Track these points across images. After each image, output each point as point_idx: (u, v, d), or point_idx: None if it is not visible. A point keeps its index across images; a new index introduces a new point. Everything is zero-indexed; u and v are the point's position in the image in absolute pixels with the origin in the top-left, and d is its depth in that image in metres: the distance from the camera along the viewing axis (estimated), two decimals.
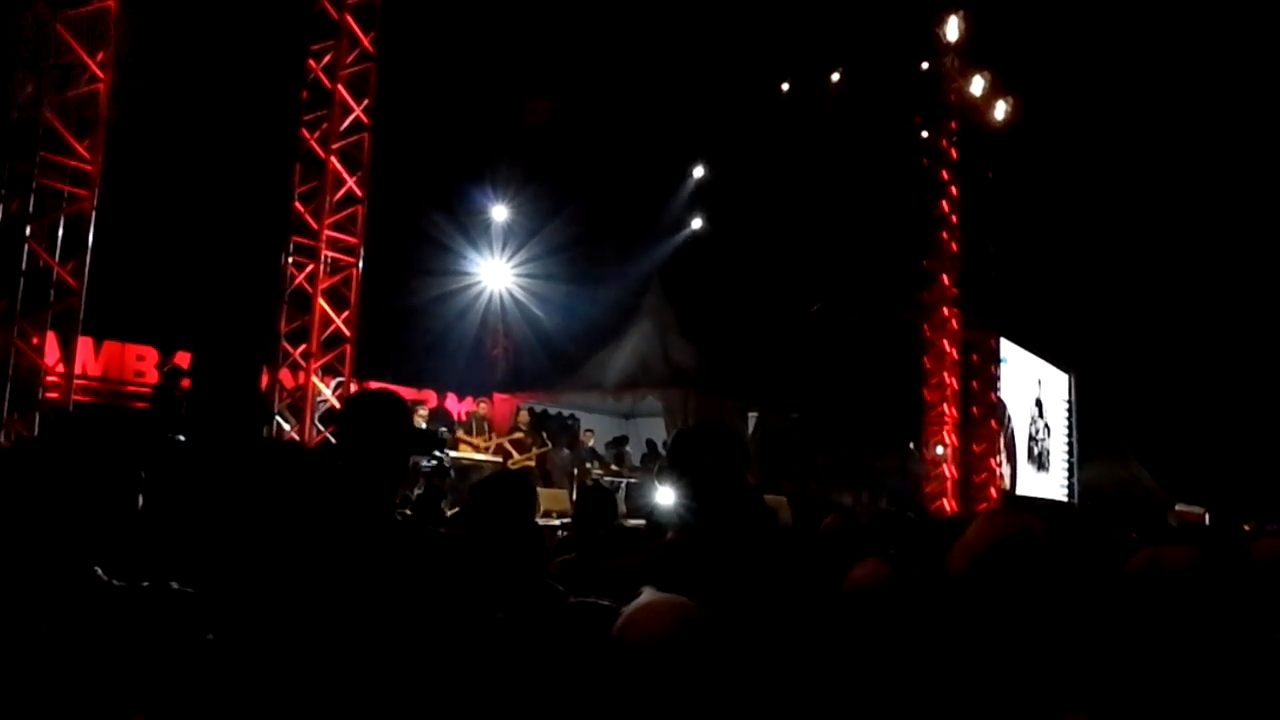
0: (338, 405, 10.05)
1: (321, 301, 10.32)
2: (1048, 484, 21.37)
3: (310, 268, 10.32)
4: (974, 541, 2.03)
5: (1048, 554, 2.00)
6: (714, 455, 2.75)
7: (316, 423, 10.25)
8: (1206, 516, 19.64)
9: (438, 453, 11.50)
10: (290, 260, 10.24)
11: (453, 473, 11.51)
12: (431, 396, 14.46)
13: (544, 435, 13.95)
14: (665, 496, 3.19)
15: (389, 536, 2.09)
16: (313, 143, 10.30)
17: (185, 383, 9.88)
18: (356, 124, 10.51)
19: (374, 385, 14.58)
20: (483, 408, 14.53)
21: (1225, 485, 19.87)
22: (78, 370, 10.34)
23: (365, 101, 10.50)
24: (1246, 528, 15.26)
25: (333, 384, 10.45)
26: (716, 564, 2.47)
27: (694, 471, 2.74)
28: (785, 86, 17.27)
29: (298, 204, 10.28)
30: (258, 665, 1.79)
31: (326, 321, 10.41)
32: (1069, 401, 22.75)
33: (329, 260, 10.45)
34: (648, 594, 1.71)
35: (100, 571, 1.87)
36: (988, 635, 1.92)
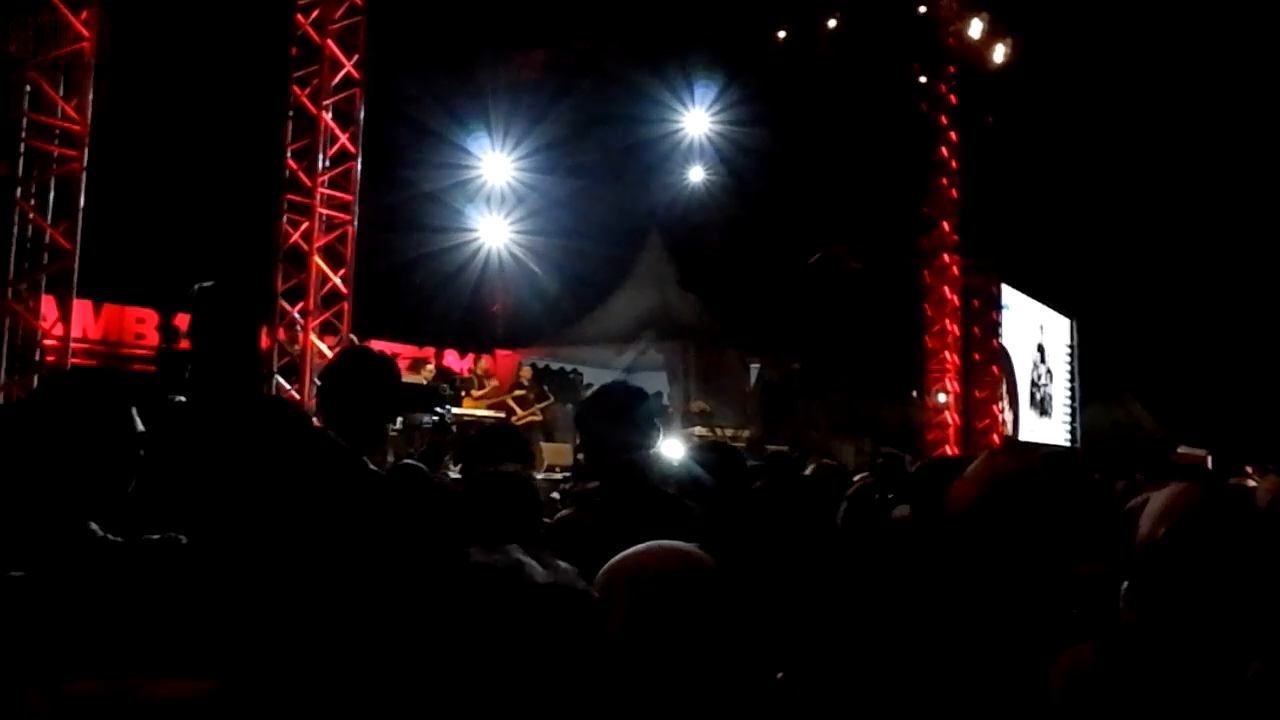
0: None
1: (318, 259, 10.28)
2: (1050, 429, 21.41)
3: (305, 225, 10.27)
4: (975, 480, 2.02)
5: (1048, 493, 1.99)
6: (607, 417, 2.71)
7: (316, 381, 10.24)
8: (1209, 459, 19.69)
9: (439, 409, 11.52)
10: (285, 219, 10.18)
11: (455, 429, 11.52)
12: (431, 353, 14.44)
13: (546, 390, 13.95)
14: (671, 450, 3.17)
15: (371, 490, 2.06)
16: (304, 99, 10.20)
17: (184, 344, 9.85)
18: (348, 79, 10.40)
19: (373, 344, 14.59)
20: (484, 364, 14.52)
21: (1227, 428, 19.89)
22: (78, 334, 10.36)
23: (356, 56, 10.38)
24: (1249, 469, 15.29)
25: (332, 343, 10.44)
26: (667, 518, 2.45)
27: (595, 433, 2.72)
28: (782, 34, 17.05)
29: (290, 161, 10.20)
30: (236, 614, 1.78)
31: (323, 280, 10.38)
32: (1071, 346, 22.73)
33: (324, 218, 10.39)
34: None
35: (96, 527, 1.87)
36: (987, 573, 1.91)
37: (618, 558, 1.61)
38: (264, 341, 10.14)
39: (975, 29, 16.58)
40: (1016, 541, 1.96)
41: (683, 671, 1.46)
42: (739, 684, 1.53)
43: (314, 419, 2.96)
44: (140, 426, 1.98)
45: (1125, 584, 1.82)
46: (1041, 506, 1.96)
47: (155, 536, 1.91)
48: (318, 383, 3.28)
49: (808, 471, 4.72)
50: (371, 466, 2.80)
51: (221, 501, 2.19)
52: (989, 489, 2.00)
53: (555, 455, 11.89)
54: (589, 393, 2.91)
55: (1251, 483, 10.10)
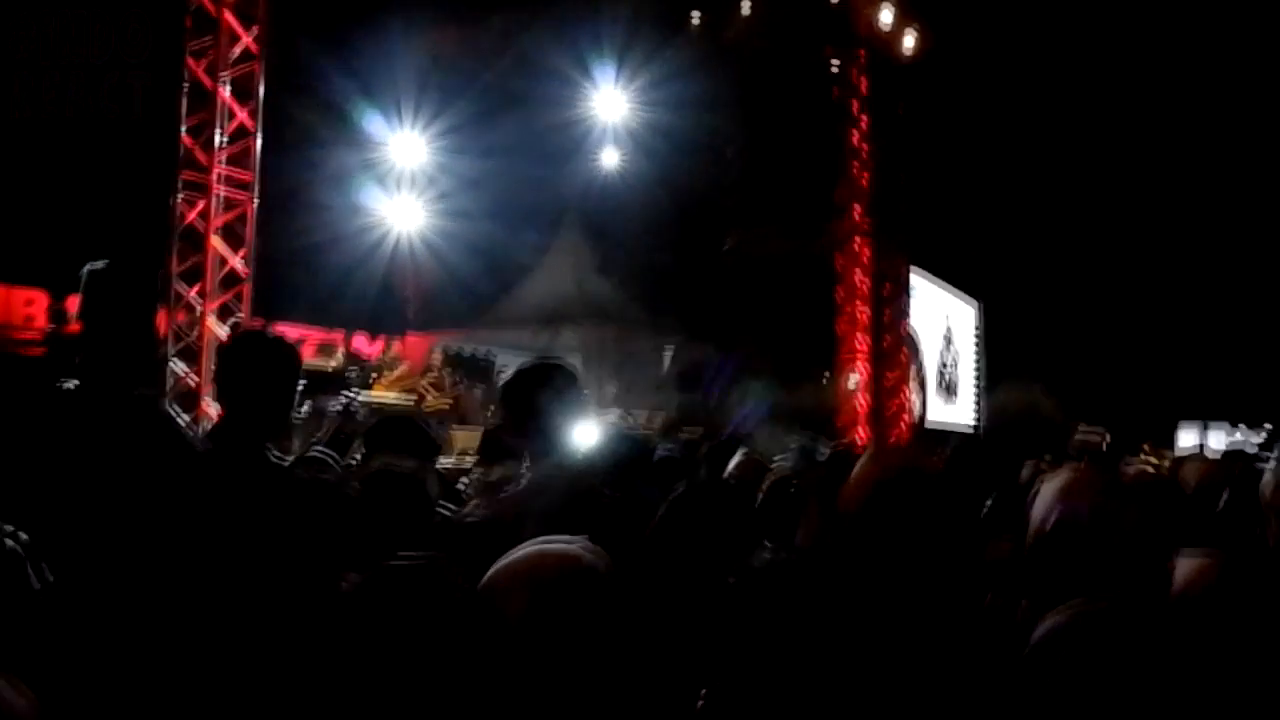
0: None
1: (215, 240, 9.91)
2: (957, 412, 21.87)
3: (202, 204, 9.89)
4: (861, 481, 2.02)
5: (935, 491, 1.98)
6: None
7: (212, 366, 9.91)
8: (1106, 438, 20.32)
9: (346, 394, 11.25)
10: (181, 197, 9.79)
11: (361, 415, 11.26)
12: (341, 337, 14.12)
13: (459, 375, 13.76)
14: (584, 435, 3.09)
15: (255, 486, 1.94)
16: (200, 73, 9.80)
17: (74, 327, 9.46)
18: (246, 53, 10.03)
19: (280, 327, 14.19)
20: (395, 348, 14.26)
21: (1122, 408, 20.58)
22: None
23: (255, 29, 10.01)
24: (1145, 448, 15.83)
25: (229, 324, 10.09)
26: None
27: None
28: (696, 17, 17.01)
29: (186, 138, 9.81)
30: (96, 616, 1.66)
31: (222, 261, 10.02)
32: (977, 330, 23.23)
33: (222, 197, 10.02)
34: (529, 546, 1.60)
35: None
36: (882, 572, 1.88)
37: (513, 555, 1.56)
38: (160, 325, 9.77)
39: (886, 17, 16.75)
40: (906, 540, 1.95)
41: (573, 673, 1.42)
42: (632, 688, 1.50)
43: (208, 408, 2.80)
44: None
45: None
46: (928, 504, 1.96)
47: None
48: (214, 368, 3.13)
49: (732, 466, 4.66)
50: (274, 457, 2.66)
51: (74, 498, 2.05)
52: (874, 490, 2.00)
53: (467, 441, 11.71)
54: (516, 369, 2.79)
55: (1151, 461, 10.44)
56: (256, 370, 2.63)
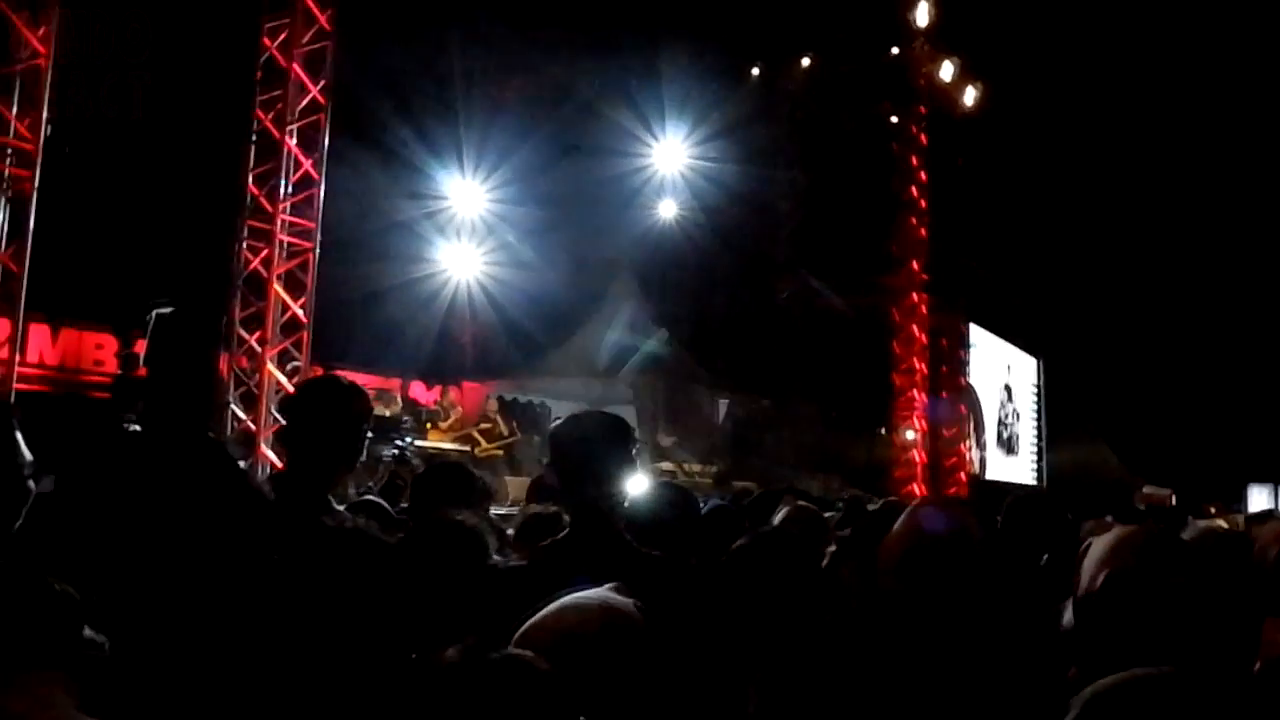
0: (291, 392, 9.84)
1: (277, 286, 10.09)
2: (1017, 468, 21.44)
3: (265, 252, 10.08)
4: (900, 537, 1.95)
5: (976, 547, 1.91)
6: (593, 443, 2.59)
7: (272, 411, 10.03)
8: (1173, 498, 19.76)
9: (399, 441, 11.33)
10: (245, 245, 10.00)
11: (417, 462, 11.33)
12: (398, 384, 14.25)
13: (513, 423, 13.80)
14: (635, 485, 3.05)
15: (306, 539, 1.92)
16: (268, 123, 10.05)
17: (141, 370, 9.64)
18: (313, 104, 10.27)
19: (337, 372, 14.36)
20: (450, 396, 14.35)
21: (1189, 468, 20.00)
22: (35, 358, 10.11)
23: (322, 81, 10.25)
24: (1212, 510, 15.34)
25: (288, 369, 10.23)
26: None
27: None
28: (755, 70, 17.14)
29: (252, 186, 10.03)
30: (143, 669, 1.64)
31: (283, 307, 10.18)
32: (1037, 386, 22.82)
33: (285, 244, 10.21)
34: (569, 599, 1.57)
35: None
36: (916, 633, 1.80)
37: (549, 607, 1.53)
38: (222, 369, 9.94)
39: (946, 72, 16.74)
40: (943, 598, 1.87)
41: None
42: None
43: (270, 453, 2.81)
44: (27, 455, 1.84)
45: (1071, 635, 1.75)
46: (969, 561, 1.88)
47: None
48: (277, 413, 3.14)
49: (779, 516, 4.55)
50: (336, 507, 2.65)
51: (135, 544, 2.04)
52: (913, 546, 1.92)
53: (519, 489, 11.70)
54: (568, 417, 2.75)
55: (1221, 522, 10.08)
56: (328, 416, 2.63)
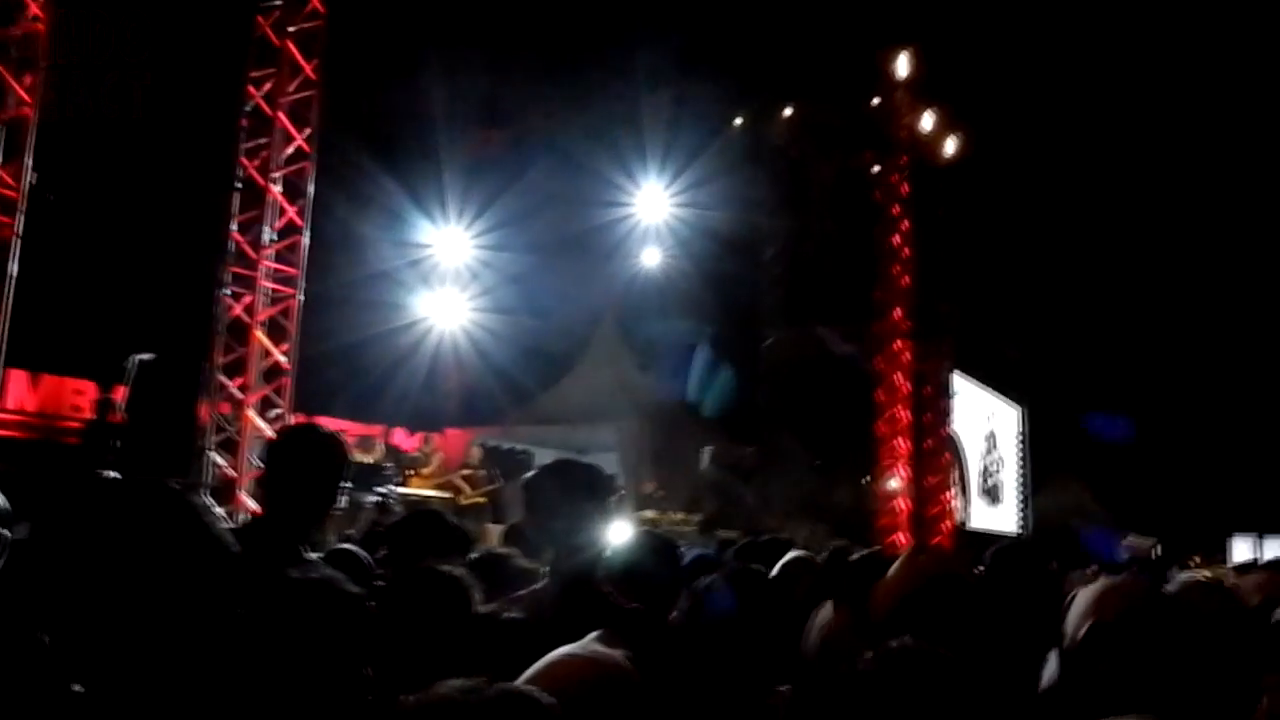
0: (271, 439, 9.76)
1: (259, 333, 10.05)
2: (1001, 517, 21.41)
3: (248, 299, 10.06)
4: (894, 585, 1.93)
5: (970, 596, 1.90)
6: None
7: (253, 458, 9.95)
8: (1157, 548, 19.77)
9: (381, 488, 11.25)
10: (228, 292, 9.97)
11: (399, 509, 11.24)
12: (380, 431, 14.18)
13: (495, 470, 13.72)
14: (617, 533, 3.02)
15: (270, 592, 1.89)
16: (252, 171, 10.08)
17: (118, 417, 9.56)
18: (298, 153, 10.31)
19: (319, 420, 14.32)
20: (433, 442, 14.28)
21: (1172, 518, 20.02)
22: (13, 405, 10.02)
23: (307, 130, 10.30)
24: (1196, 560, 15.34)
25: (271, 416, 10.17)
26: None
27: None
28: (738, 120, 17.32)
29: (236, 234, 10.03)
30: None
31: (265, 354, 10.14)
32: (1020, 434, 22.87)
33: (268, 292, 10.19)
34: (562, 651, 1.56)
35: None
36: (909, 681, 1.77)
37: (537, 667, 1.52)
38: (202, 416, 9.86)
39: (927, 122, 16.95)
40: (941, 645, 1.85)
41: None
42: None
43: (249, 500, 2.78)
44: (2, 502, 1.82)
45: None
46: (963, 610, 1.87)
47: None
48: (258, 460, 3.13)
49: (778, 568, 4.49)
50: (307, 556, 2.62)
51: (101, 595, 2.00)
52: (908, 595, 1.91)
53: (502, 538, 11.62)
54: (542, 466, 2.73)
55: (1204, 573, 10.07)
56: (305, 465, 2.62)
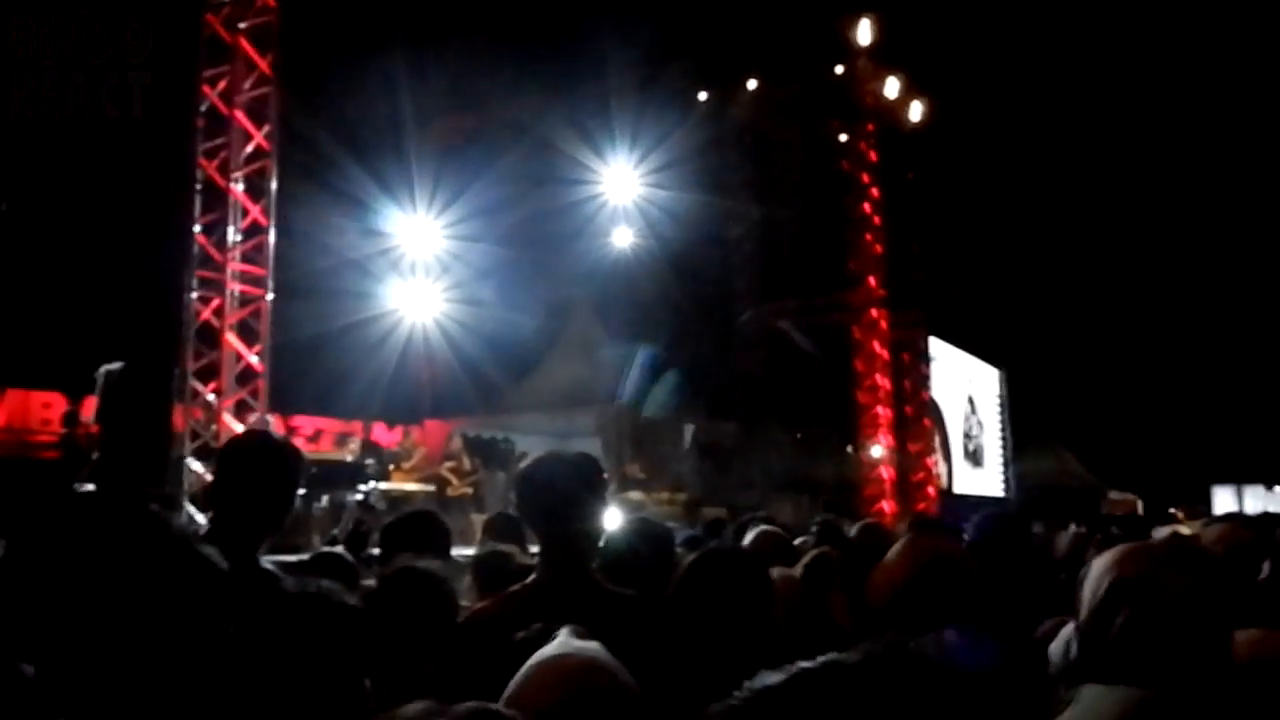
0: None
1: (230, 336, 9.90)
2: (984, 480, 21.55)
3: (216, 302, 9.90)
4: (893, 568, 1.89)
5: (969, 576, 1.86)
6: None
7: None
8: (1139, 504, 19.93)
9: (362, 486, 11.14)
10: (196, 296, 9.80)
11: (382, 506, 11.14)
12: (359, 427, 14.06)
13: (476, 460, 13.63)
14: (611, 520, 2.97)
15: (264, 608, 1.82)
16: (212, 172, 9.89)
17: (93, 429, 9.41)
18: (258, 151, 10.12)
19: (296, 419, 14.19)
20: (413, 436, 14.17)
21: (1154, 472, 20.20)
22: None
23: (267, 127, 10.11)
24: (1180, 514, 15.47)
25: (248, 421, 10.02)
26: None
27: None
28: (703, 96, 17.22)
29: (200, 236, 9.85)
30: None
31: (237, 357, 9.99)
32: (1000, 396, 23.00)
33: (236, 294, 10.03)
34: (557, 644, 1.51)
35: None
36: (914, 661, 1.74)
37: (534, 661, 1.48)
38: (178, 423, 9.71)
39: (891, 88, 16.91)
40: (946, 624, 1.81)
41: None
42: None
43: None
44: None
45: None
46: (963, 590, 1.83)
47: None
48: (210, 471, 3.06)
49: (748, 540, 4.46)
50: (265, 565, 2.55)
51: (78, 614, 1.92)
52: (908, 578, 1.87)
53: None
54: (535, 458, 2.65)
55: (1183, 528, 10.14)
56: (250, 474, 2.55)
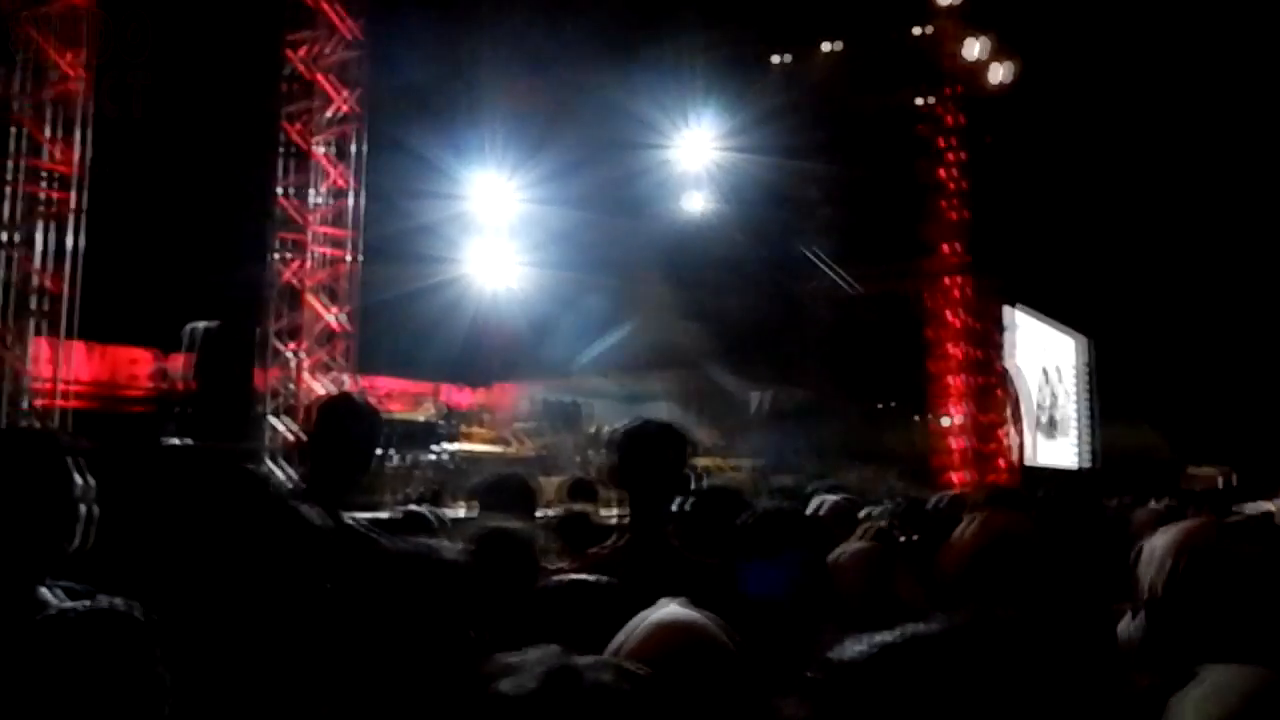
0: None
1: (310, 297, 10.12)
2: (1059, 451, 21.16)
3: (298, 264, 10.12)
4: (965, 545, 1.90)
5: (1042, 552, 1.86)
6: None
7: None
8: (1220, 479, 19.37)
9: (435, 447, 11.35)
10: (278, 257, 10.04)
11: (454, 466, 11.36)
12: (431, 389, 14.28)
13: (549, 422, 13.80)
14: (681, 491, 3.05)
15: (367, 565, 1.90)
16: (294, 135, 10.07)
17: (178, 385, 9.72)
18: (342, 115, 10.27)
19: (373, 380, 14.44)
20: (485, 398, 14.37)
21: (1248, 448, 19.52)
22: (71, 376, 10.21)
23: (350, 91, 10.26)
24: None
25: (329, 381, 10.26)
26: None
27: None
28: (778, 60, 17.01)
29: (282, 199, 10.06)
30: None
31: (317, 317, 10.22)
32: (1081, 367, 22.49)
33: (319, 255, 10.24)
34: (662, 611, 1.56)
35: (46, 593, 1.73)
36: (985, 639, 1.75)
37: (636, 627, 1.52)
38: (259, 382, 9.98)
39: (974, 50, 16.50)
40: (1015, 604, 1.82)
41: None
42: None
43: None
44: (80, 481, 1.84)
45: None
46: (1035, 567, 1.83)
47: (106, 603, 1.76)
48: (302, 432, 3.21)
49: (823, 510, 4.46)
50: (349, 520, 2.67)
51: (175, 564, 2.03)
52: (975, 556, 1.87)
53: (555, 490, 11.70)
54: (637, 422, 2.72)
55: (1271, 506, 9.85)
56: (343, 433, 2.68)
